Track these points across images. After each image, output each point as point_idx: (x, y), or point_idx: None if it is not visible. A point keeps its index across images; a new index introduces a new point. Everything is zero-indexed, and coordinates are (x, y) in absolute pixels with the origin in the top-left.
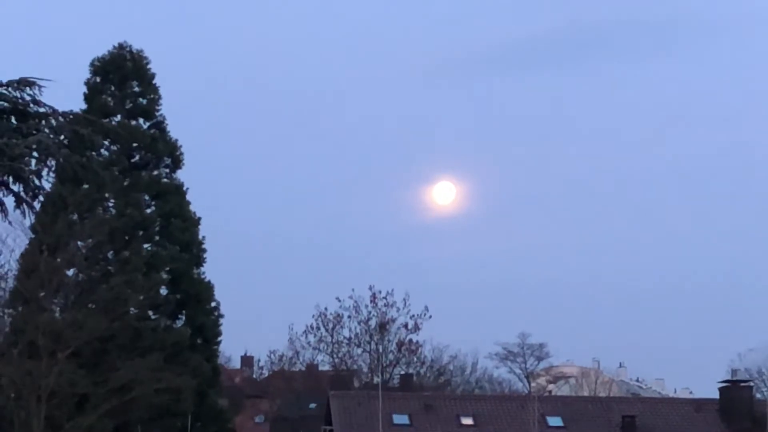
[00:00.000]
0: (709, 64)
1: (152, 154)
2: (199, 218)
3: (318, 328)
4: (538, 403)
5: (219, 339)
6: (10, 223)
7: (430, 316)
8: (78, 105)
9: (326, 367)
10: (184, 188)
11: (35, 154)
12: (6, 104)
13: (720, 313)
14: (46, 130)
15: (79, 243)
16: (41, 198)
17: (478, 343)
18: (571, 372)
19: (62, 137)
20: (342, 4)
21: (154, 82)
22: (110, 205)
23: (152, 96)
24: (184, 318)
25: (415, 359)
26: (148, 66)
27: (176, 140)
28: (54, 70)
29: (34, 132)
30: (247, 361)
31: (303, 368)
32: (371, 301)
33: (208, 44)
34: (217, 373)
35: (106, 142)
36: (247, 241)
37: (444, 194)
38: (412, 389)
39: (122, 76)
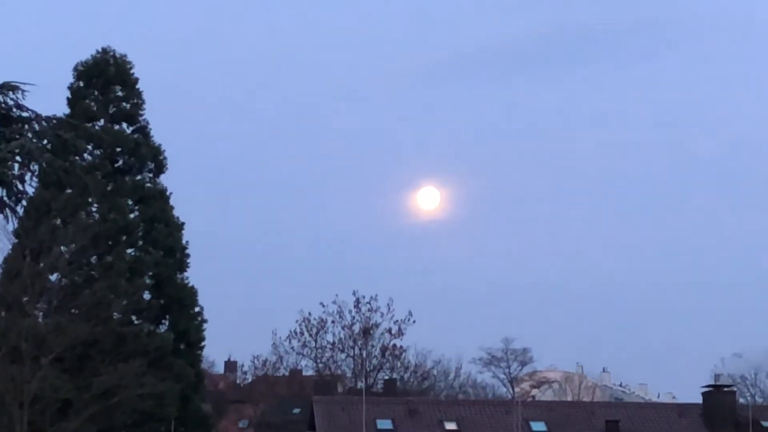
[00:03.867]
0: (701, 65)
1: (135, 159)
2: (183, 223)
3: (302, 333)
4: (522, 408)
5: (202, 344)
6: None
7: (414, 321)
8: (61, 109)
9: (310, 372)
10: (168, 193)
11: (18, 158)
12: None
13: (703, 319)
14: (29, 135)
15: (62, 248)
16: (24, 202)
17: (461, 348)
18: (554, 377)
19: (45, 142)
20: (326, 9)
21: (137, 86)
22: (93, 209)
23: (136, 100)
24: (167, 323)
25: (399, 364)
26: (132, 70)
27: (160, 145)
28: (37, 74)
29: (17, 136)
30: (230, 366)
31: (287, 373)
32: (355, 306)
33: (193, 48)
34: (200, 378)
35: (90, 147)
36: (230, 246)
37: (428, 199)
38: (395, 394)
39: (105, 80)
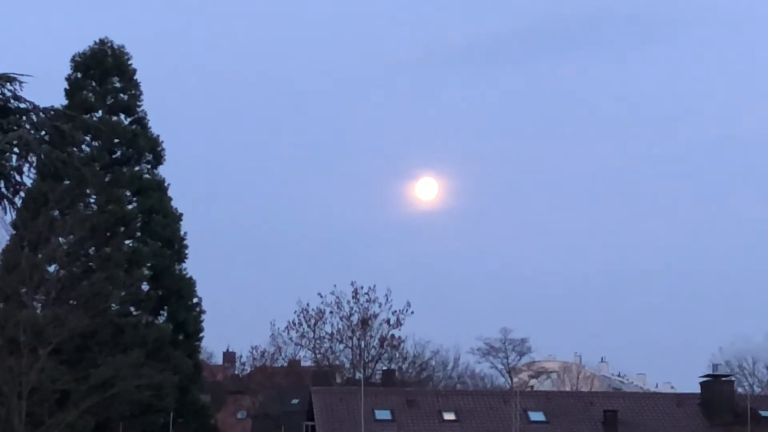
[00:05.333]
0: (698, 55)
1: (133, 150)
2: (181, 214)
3: (300, 324)
4: (520, 398)
5: (201, 335)
6: None
7: (412, 312)
8: (59, 101)
9: (308, 363)
10: (166, 184)
11: (16, 149)
12: None
13: (701, 308)
14: (27, 126)
15: (60, 239)
16: (22, 194)
17: (460, 339)
18: (552, 367)
19: (43, 133)
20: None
21: (135, 77)
22: (91, 201)
23: (133, 91)
24: (165, 314)
25: (397, 355)
26: (129, 61)
27: (158, 136)
28: (35, 65)
29: (15, 128)
30: (228, 357)
31: (285, 364)
32: (353, 297)
33: (191, 38)
34: (198, 370)
35: (87, 138)
36: (228, 237)
37: (426, 190)
38: (394, 385)
39: (103, 71)
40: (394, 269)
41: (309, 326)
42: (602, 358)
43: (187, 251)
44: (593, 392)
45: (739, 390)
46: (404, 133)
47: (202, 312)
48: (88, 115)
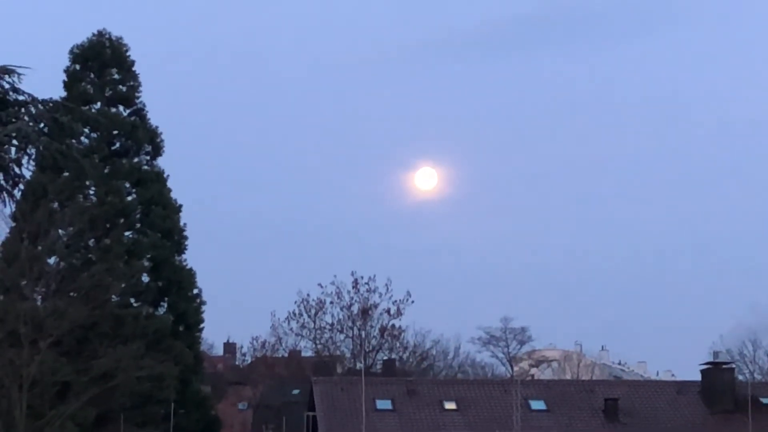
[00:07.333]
0: (694, 47)
1: (132, 142)
2: (180, 205)
3: (300, 315)
4: (521, 387)
5: (201, 326)
6: None
7: (413, 301)
8: (58, 93)
9: (309, 354)
10: (165, 175)
11: (15, 142)
12: None
13: (701, 296)
14: (26, 118)
15: (60, 231)
16: (21, 186)
17: (460, 328)
18: (553, 356)
19: (42, 125)
20: None
21: (133, 69)
22: (91, 192)
23: (132, 83)
24: (166, 305)
25: (398, 344)
26: (128, 53)
27: (156, 127)
28: (33, 57)
29: (14, 120)
30: (229, 347)
31: (286, 355)
32: (353, 287)
33: (188, 29)
34: (199, 360)
35: (86, 130)
36: (228, 228)
37: (426, 180)
38: (395, 374)
39: (102, 63)
40: (394, 259)
41: (309, 316)
42: (603, 347)
43: (186, 242)
44: (594, 380)
45: (740, 377)
46: (403, 123)
47: (202, 303)
48: (87, 107)
